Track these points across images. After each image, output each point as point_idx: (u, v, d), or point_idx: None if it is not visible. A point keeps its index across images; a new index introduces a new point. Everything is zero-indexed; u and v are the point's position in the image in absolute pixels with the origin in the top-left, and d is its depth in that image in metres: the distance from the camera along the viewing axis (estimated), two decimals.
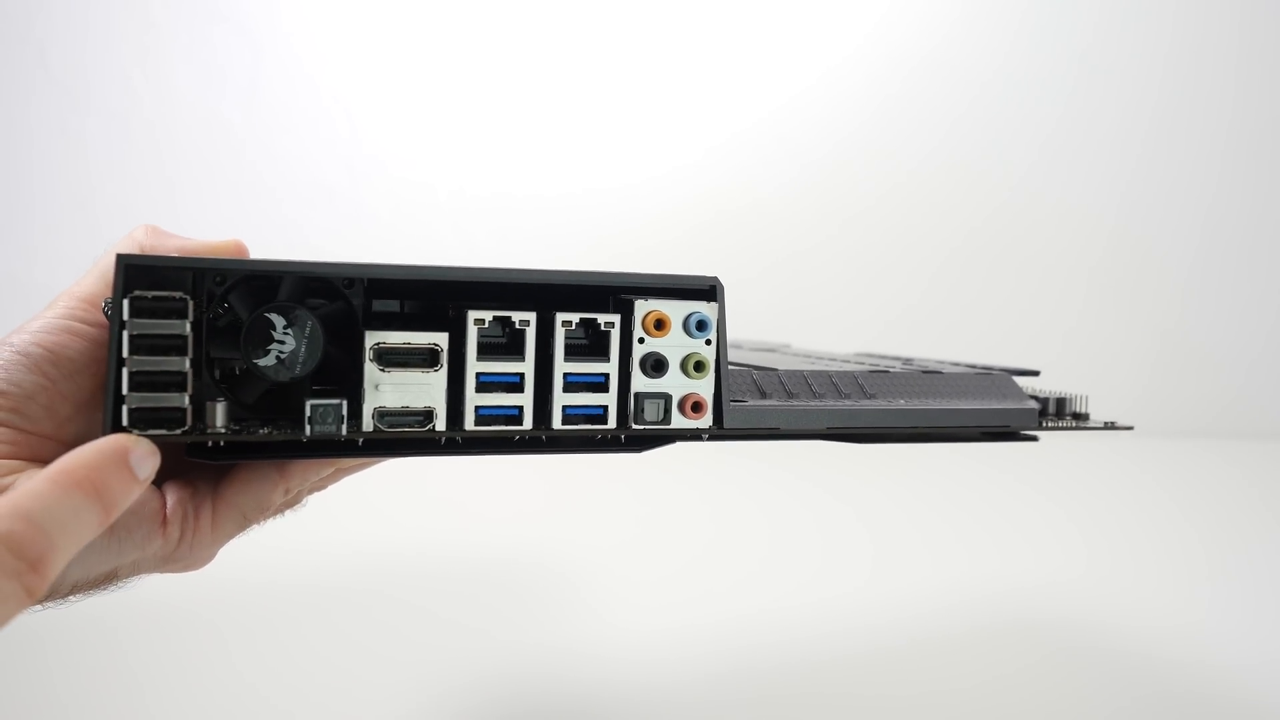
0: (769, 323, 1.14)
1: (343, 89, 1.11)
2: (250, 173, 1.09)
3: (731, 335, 0.66)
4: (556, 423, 0.24)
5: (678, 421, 0.24)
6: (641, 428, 0.24)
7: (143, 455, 0.20)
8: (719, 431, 0.25)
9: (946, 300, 1.19)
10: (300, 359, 0.23)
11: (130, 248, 0.28)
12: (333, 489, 0.32)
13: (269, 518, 0.29)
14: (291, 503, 0.30)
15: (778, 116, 1.16)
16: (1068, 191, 1.20)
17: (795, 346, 0.44)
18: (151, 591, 0.30)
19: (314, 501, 0.33)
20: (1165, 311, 1.22)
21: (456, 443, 0.25)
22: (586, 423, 0.24)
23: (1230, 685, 0.43)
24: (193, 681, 0.41)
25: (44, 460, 0.25)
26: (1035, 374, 0.30)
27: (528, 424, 0.24)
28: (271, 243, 1.11)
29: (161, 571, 0.27)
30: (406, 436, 0.23)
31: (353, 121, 1.11)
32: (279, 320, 0.23)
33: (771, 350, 0.40)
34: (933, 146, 1.18)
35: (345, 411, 0.23)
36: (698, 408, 0.24)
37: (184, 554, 0.26)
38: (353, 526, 0.65)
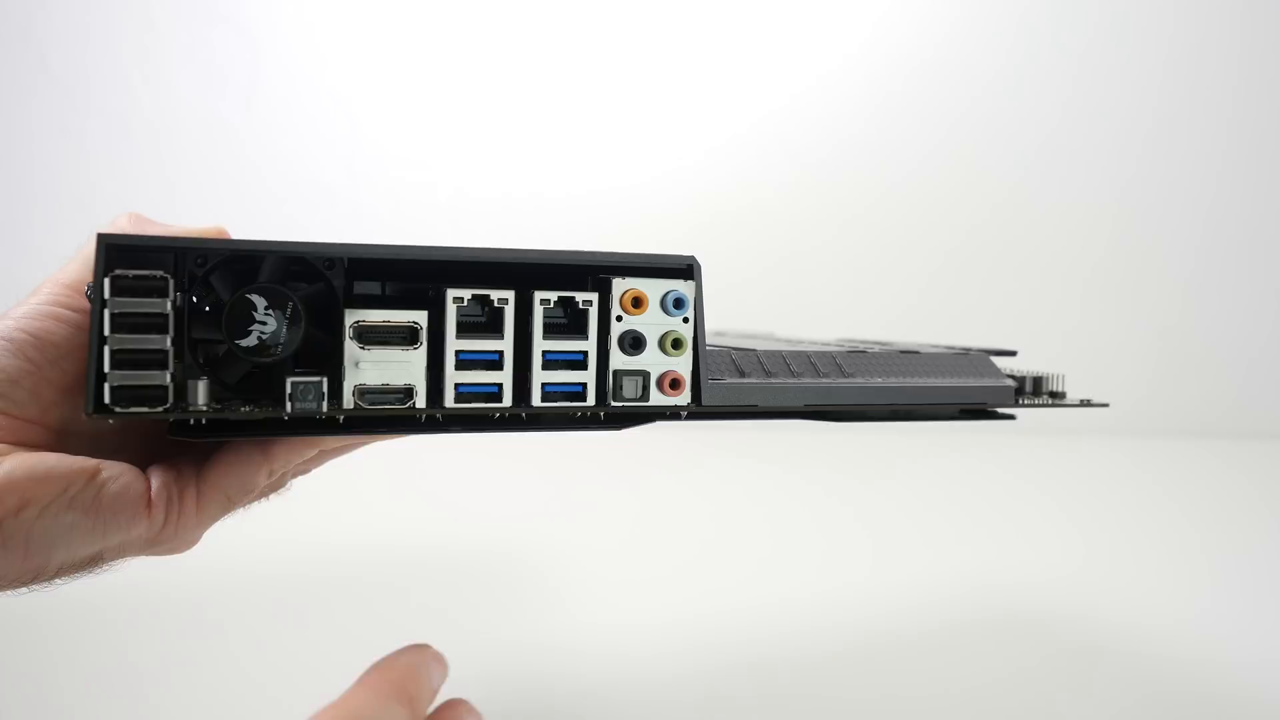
0: (770, 322, 1.14)
1: (343, 89, 1.11)
2: (250, 173, 1.10)
3: (719, 325, 0.66)
4: (536, 400, 0.24)
5: (656, 398, 0.25)
6: (620, 405, 0.25)
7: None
8: (698, 409, 0.25)
9: (946, 300, 1.19)
10: (281, 340, 0.23)
11: None
12: (321, 479, 0.33)
13: (253, 500, 0.29)
14: (276, 485, 0.30)
15: (778, 117, 1.16)
16: (1068, 191, 1.20)
17: (779, 335, 0.44)
18: (135, 576, 0.30)
19: (301, 490, 0.33)
20: (1165, 310, 1.22)
21: (437, 420, 0.25)
22: (565, 400, 0.24)
23: (1230, 686, 0.43)
24: (181, 667, 0.41)
25: (29, 444, 0.25)
26: (1013, 354, 0.30)
27: (507, 401, 0.24)
28: None
29: (147, 554, 0.27)
30: (387, 414, 0.23)
31: (353, 121, 1.11)
32: (260, 301, 0.23)
33: (753, 337, 0.41)
34: (933, 146, 1.18)
35: (326, 389, 0.23)
36: (676, 385, 0.25)
37: (169, 536, 0.27)
38: (340, 515, 0.66)
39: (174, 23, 1.07)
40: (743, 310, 1.13)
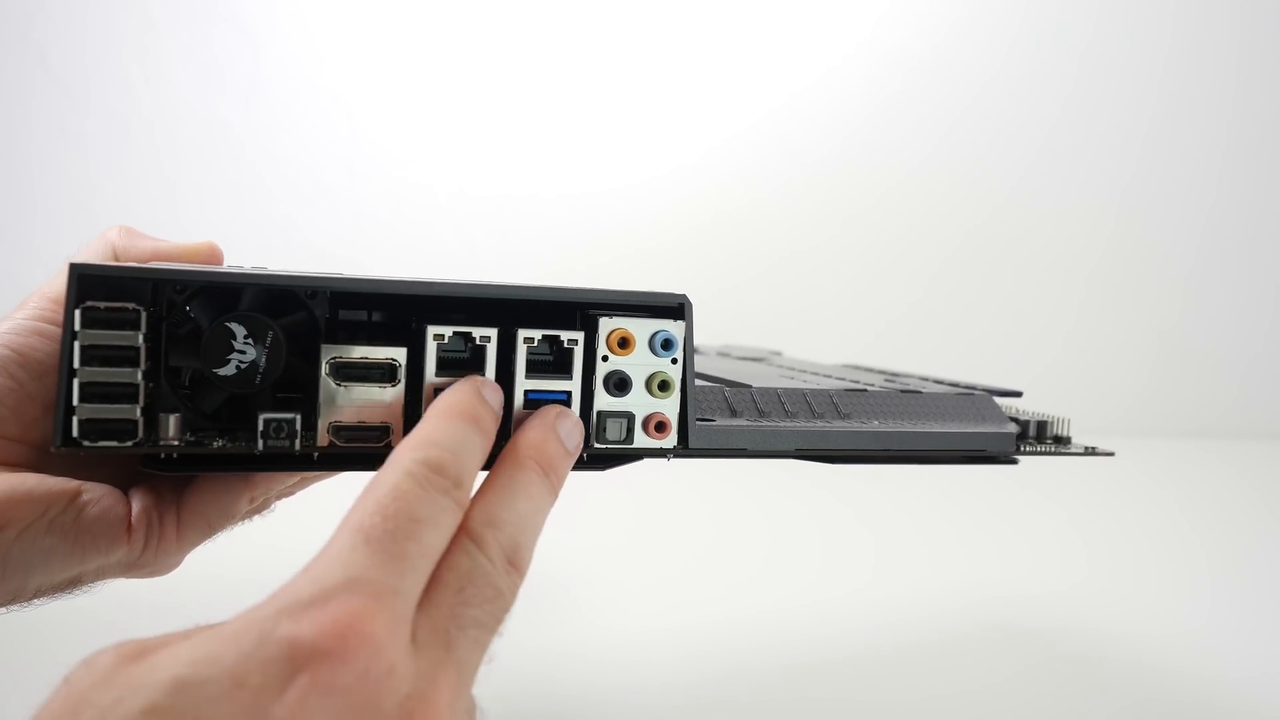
0: (769, 324, 1.13)
1: (343, 89, 1.11)
2: (250, 173, 1.09)
3: (725, 340, 0.64)
4: None
5: (641, 441, 0.24)
6: (604, 446, 0.24)
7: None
8: (684, 451, 0.24)
9: (947, 300, 1.18)
10: (261, 369, 0.23)
11: (103, 249, 0.28)
12: (325, 489, 0.32)
13: (236, 524, 0.29)
14: (259, 509, 0.30)
15: (777, 116, 1.15)
16: (1067, 191, 1.19)
17: (786, 356, 0.43)
18: (128, 587, 0.30)
19: (302, 501, 0.32)
20: (1165, 311, 1.21)
21: None
22: None
23: (1231, 690, 0.42)
24: None
25: (10, 463, 0.25)
26: (1018, 395, 0.29)
27: None
28: (271, 242, 1.11)
29: (127, 577, 0.27)
30: (362, 452, 0.23)
31: (353, 121, 1.11)
32: (240, 330, 0.22)
33: (759, 360, 0.40)
34: (933, 147, 1.17)
35: (300, 426, 0.22)
36: (661, 427, 0.24)
37: (149, 562, 0.26)
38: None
39: (174, 23, 1.06)
40: (741, 311, 1.12)
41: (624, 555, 0.63)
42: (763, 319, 1.13)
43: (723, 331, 0.76)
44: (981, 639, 0.48)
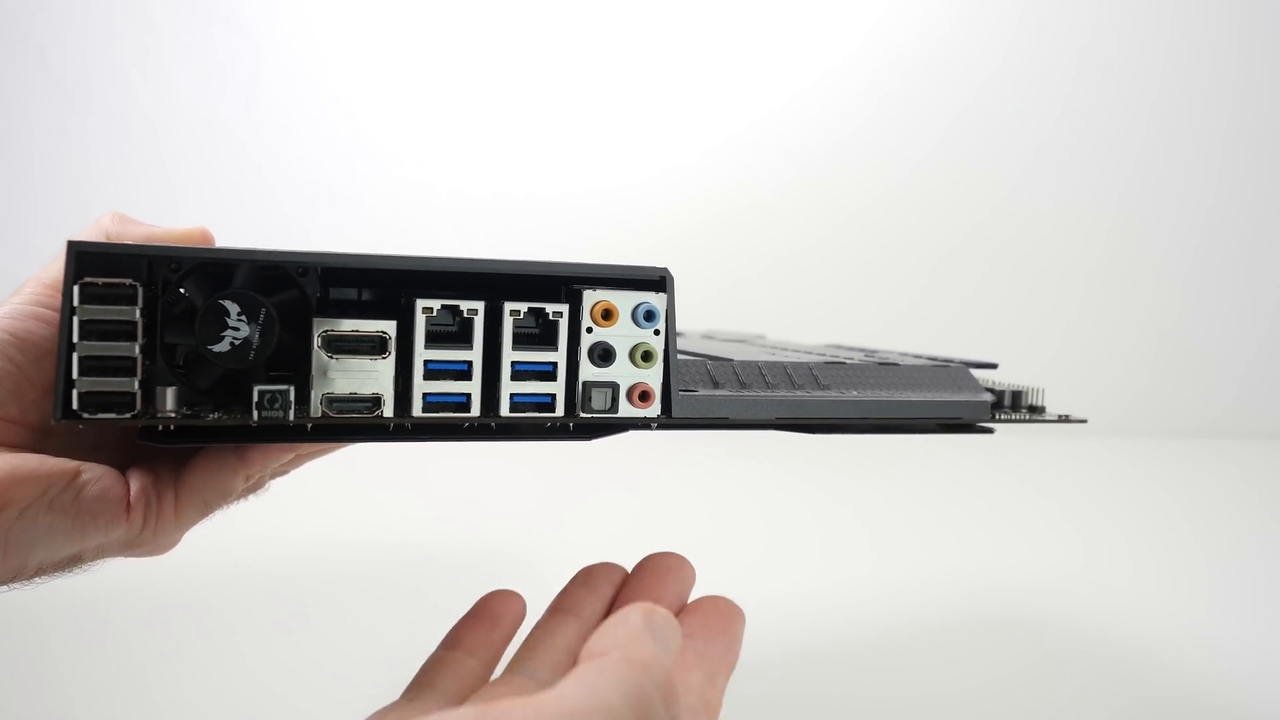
0: (767, 323, 1.14)
1: (343, 89, 1.11)
2: (250, 173, 1.10)
3: (711, 326, 0.65)
4: (504, 410, 0.24)
5: (625, 410, 0.25)
6: (589, 416, 0.24)
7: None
8: (668, 420, 0.25)
9: (945, 299, 1.19)
10: (254, 346, 0.23)
11: (96, 235, 0.29)
12: (313, 473, 0.33)
13: (231, 503, 0.29)
14: (254, 488, 0.30)
15: (777, 116, 1.16)
16: (1066, 191, 1.20)
17: (769, 338, 0.44)
18: (126, 571, 0.30)
19: (294, 486, 0.33)
20: (1163, 311, 1.21)
21: (405, 429, 0.25)
22: (534, 410, 0.24)
23: (1229, 689, 0.42)
24: (175, 663, 0.42)
25: (10, 444, 0.25)
26: (993, 366, 0.30)
27: (475, 411, 0.24)
28: (272, 242, 1.11)
29: (126, 556, 0.28)
30: (354, 422, 0.23)
31: (353, 121, 1.12)
32: (233, 307, 0.23)
33: (742, 341, 0.40)
34: (932, 146, 1.18)
35: (294, 397, 0.23)
36: (645, 397, 0.25)
37: (147, 540, 0.27)
38: (331, 511, 0.66)
39: (174, 23, 1.07)
40: (740, 310, 1.12)
41: (617, 547, 0.63)
42: (761, 318, 1.13)
43: (721, 329, 0.77)
44: (978, 632, 0.48)
